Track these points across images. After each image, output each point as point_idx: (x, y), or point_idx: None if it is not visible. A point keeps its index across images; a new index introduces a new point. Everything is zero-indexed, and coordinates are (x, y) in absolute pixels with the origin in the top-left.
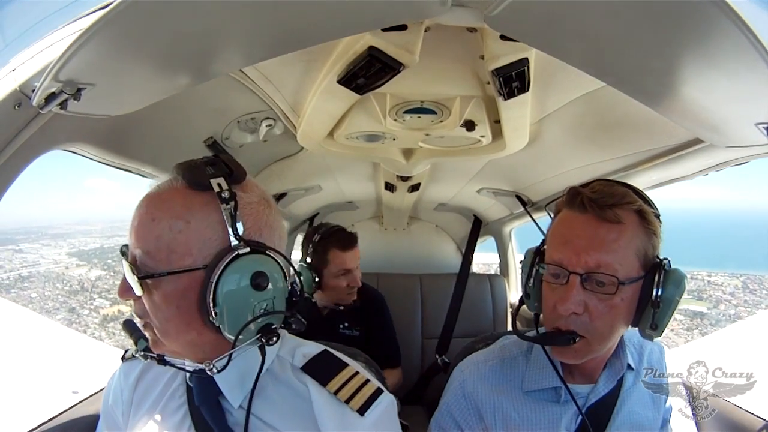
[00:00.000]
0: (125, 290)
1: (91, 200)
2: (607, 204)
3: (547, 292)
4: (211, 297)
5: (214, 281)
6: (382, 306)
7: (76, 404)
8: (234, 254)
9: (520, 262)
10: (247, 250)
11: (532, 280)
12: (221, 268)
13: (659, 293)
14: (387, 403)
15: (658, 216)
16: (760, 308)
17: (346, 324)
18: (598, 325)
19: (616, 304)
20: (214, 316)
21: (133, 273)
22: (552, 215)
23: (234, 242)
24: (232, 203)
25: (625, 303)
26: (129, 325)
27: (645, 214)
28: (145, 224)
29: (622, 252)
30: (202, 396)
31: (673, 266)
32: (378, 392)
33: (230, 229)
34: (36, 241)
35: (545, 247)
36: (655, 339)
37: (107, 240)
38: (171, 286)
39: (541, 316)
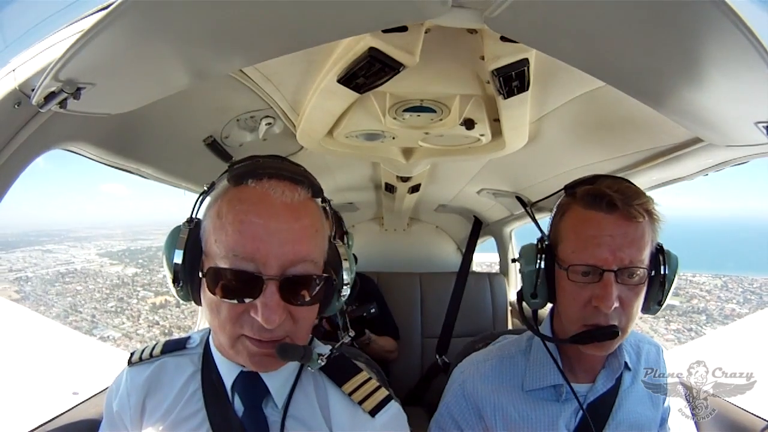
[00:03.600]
0: (281, 312)
1: (107, 205)
2: (632, 202)
3: (575, 289)
4: (338, 289)
5: (341, 278)
6: (376, 288)
7: (76, 405)
8: (337, 249)
9: (513, 260)
10: (340, 243)
11: (539, 278)
12: (347, 266)
13: (665, 273)
14: (396, 408)
15: None
16: (731, 303)
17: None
18: (630, 313)
19: (641, 290)
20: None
21: (314, 287)
22: (556, 208)
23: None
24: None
25: (644, 287)
26: (288, 350)
27: (654, 210)
28: (311, 236)
29: (645, 245)
30: (250, 399)
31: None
32: (388, 398)
33: (333, 229)
34: (61, 243)
35: (559, 246)
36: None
37: (131, 243)
38: (324, 291)
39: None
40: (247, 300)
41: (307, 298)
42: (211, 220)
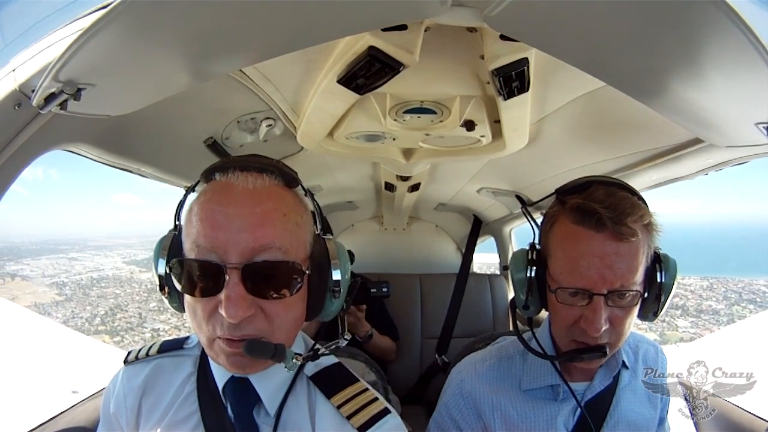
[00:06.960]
0: (246, 306)
1: (120, 214)
2: (623, 221)
3: (564, 309)
4: (329, 288)
5: (332, 271)
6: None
7: (75, 404)
8: (325, 243)
9: (505, 267)
10: (330, 237)
11: (530, 287)
12: (340, 260)
13: (662, 281)
14: (393, 423)
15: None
16: (710, 301)
17: None
18: (621, 331)
19: (633, 309)
20: (324, 307)
21: (285, 278)
22: (544, 216)
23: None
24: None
25: (637, 306)
26: (255, 346)
27: (651, 221)
28: (276, 220)
29: (639, 264)
30: (240, 406)
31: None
32: (384, 412)
33: (319, 223)
34: (83, 251)
35: (549, 261)
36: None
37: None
38: (305, 285)
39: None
40: (213, 295)
41: (279, 291)
42: (185, 219)
